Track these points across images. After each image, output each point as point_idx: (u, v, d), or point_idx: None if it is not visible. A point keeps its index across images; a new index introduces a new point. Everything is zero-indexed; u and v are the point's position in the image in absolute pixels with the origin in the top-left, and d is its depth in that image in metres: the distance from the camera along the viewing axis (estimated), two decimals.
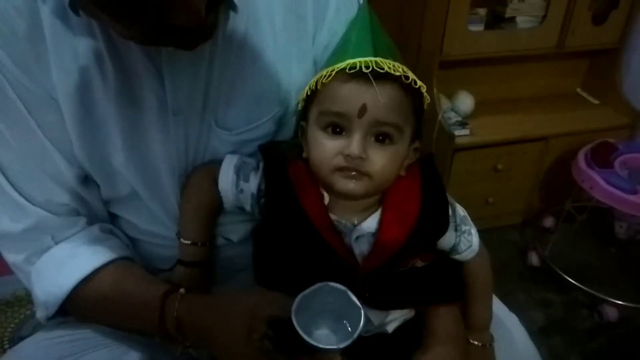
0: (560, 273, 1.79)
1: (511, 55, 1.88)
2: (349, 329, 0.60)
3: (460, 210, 0.73)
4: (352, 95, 0.61)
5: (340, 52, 0.66)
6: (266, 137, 0.73)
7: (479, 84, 1.97)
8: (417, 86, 0.63)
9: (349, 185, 0.62)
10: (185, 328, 0.66)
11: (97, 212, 0.75)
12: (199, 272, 0.72)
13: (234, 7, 0.62)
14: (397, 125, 0.62)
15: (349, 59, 0.62)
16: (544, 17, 1.82)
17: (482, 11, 1.81)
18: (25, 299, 0.93)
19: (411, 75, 0.63)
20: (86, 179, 0.72)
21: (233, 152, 0.72)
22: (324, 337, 0.60)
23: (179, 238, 0.71)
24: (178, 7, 0.50)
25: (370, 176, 0.62)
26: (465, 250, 0.72)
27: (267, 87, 0.70)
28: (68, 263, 0.69)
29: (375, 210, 0.67)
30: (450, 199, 0.71)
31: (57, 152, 0.67)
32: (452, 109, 1.90)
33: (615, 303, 1.67)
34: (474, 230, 0.73)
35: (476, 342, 0.75)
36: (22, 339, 0.74)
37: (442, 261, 0.73)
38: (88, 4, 0.51)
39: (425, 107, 0.67)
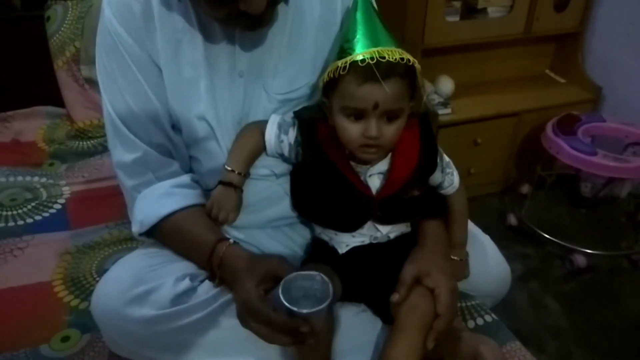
0: (536, 230, 1.96)
1: (485, 42, 2.04)
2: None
3: (446, 157, 0.94)
4: (367, 95, 0.76)
5: (348, 43, 0.79)
6: (303, 98, 0.94)
7: (458, 69, 2.13)
8: (410, 63, 0.78)
9: (371, 156, 0.84)
10: (223, 266, 0.86)
11: (182, 154, 0.96)
12: (232, 191, 0.88)
13: (285, 1, 0.85)
14: (401, 108, 0.80)
15: (357, 50, 0.77)
16: (512, 6, 1.98)
17: (457, 4, 1.96)
18: (102, 244, 1.16)
19: (406, 56, 0.77)
20: (174, 127, 0.93)
21: (277, 109, 0.92)
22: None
23: (224, 166, 0.89)
24: (249, 0, 0.73)
25: (384, 146, 0.83)
26: (448, 187, 0.95)
27: (305, 61, 0.93)
28: (165, 198, 0.91)
29: (383, 157, 0.88)
30: (439, 148, 0.93)
31: (158, 102, 0.89)
32: (435, 92, 2.05)
33: (584, 252, 1.85)
34: (455, 173, 0.95)
35: (455, 257, 0.97)
36: (106, 271, 0.93)
37: (432, 193, 0.96)
38: None
39: (418, 75, 0.81)
